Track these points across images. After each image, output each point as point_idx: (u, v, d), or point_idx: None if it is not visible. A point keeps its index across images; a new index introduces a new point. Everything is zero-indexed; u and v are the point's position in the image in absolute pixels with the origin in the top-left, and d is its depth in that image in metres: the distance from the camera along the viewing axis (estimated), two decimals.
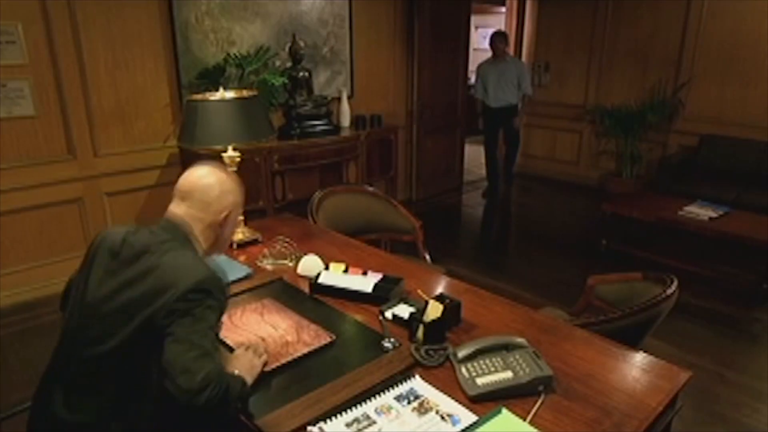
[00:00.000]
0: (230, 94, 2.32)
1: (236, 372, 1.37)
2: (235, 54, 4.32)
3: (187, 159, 4.21)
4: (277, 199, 4.53)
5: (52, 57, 3.60)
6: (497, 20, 8.23)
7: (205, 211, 1.51)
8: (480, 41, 8.80)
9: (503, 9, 7.39)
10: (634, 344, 1.70)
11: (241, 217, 2.42)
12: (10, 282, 3.70)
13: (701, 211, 4.08)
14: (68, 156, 3.80)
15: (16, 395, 2.69)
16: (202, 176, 1.54)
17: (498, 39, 5.81)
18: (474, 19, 6.53)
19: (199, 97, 2.27)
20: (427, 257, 2.97)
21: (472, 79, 6.40)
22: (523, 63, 6.39)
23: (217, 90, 2.39)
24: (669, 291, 1.91)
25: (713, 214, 4.02)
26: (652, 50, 5.86)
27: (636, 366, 1.54)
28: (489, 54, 6.04)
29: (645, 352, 1.61)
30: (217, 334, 1.48)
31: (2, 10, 3.37)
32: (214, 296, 1.34)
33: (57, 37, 3.59)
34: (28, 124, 3.59)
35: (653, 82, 5.84)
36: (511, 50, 7.07)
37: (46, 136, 3.69)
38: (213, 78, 4.07)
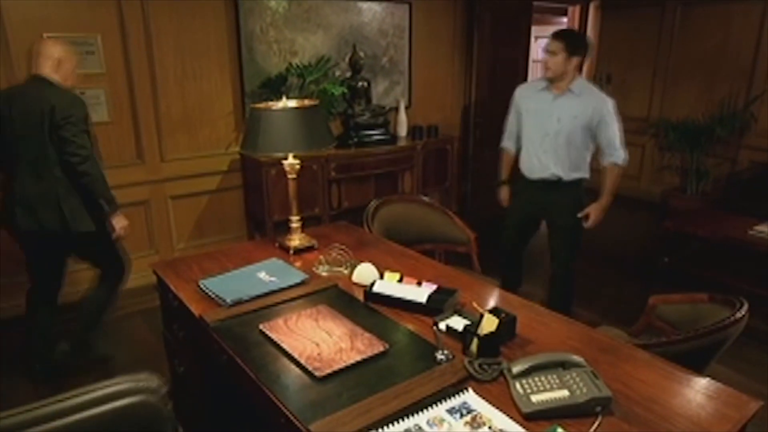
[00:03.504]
0: (292, 103, 2.37)
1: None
2: (296, 64, 4.44)
3: (247, 165, 4.34)
4: (332, 206, 4.60)
5: (126, 67, 3.81)
6: None
7: None
8: (540, 52, 8.63)
9: (564, 20, 7.26)
10: (699, 370, 1.63)
11: (298, 224, 2.48)
12: (82, 278, 3.90)
13: None
14: (137, 160, 3.99)
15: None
16: None
17: (565, 42, 2.92)
18: (534, 31, 6.43)
19: (262, 105, 2.33)
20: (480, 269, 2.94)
21: None
22: (609, 102, 3.07)
23: (278, 99, 2.46)
24: (738, 315, 1.82)
25: None
26: (722, 61, 5.62)
27: (701, 392, 1.47)
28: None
29: (710, 378, 1.54)
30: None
31: (84, 22, 3.59)
32: None
33: (132, 48, 3.79)
34: (103, 129, 3.79)
35: (723, 94, 5.59)
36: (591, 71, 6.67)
37: (118, 141, 3.89)
38: (275, 87, 4.20)
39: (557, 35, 2.98)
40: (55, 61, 2.76)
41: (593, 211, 3.11)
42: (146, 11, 3.78)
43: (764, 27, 5.25)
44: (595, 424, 1.32)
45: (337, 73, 4.74)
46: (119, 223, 2.93)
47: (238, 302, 1.93)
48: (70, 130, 2.65)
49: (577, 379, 1.42)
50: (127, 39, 3.76)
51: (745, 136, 5.51)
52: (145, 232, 4.12)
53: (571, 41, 2.95)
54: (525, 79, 6.08)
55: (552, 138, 3.04)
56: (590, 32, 6.76)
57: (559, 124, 3.01)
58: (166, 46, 3.93)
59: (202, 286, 2.06)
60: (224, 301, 1.93)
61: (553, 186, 3.12)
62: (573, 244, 3.27)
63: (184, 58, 4.02)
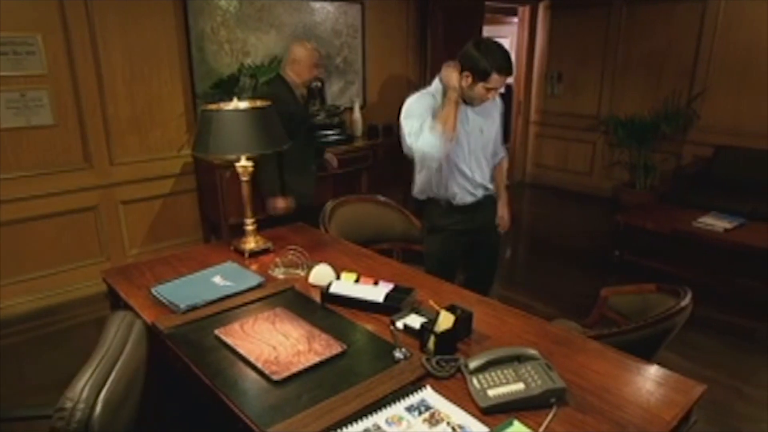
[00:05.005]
0: (244, 104, 2.33)
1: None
2: (249, 64, 4.37)
3: (200, 168, 4.25)
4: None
5: (70, 67, 3.67)
6: (510, 30, 8.24)
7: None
8: None
9: (515, 19, 7.40)
10: (648, 357, 1.68)
11: (253, 227, 2.44)
12: (28, 288, 3.75)
13: (716, 222, 4.04)
14: (85, 164, 3.86)
15: (31, 399, 2.72)
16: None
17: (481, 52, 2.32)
18: (486, 30, 6.53)
19: (213, 106, 2.29)
20: None
21: None
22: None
23: (231, 100, 2.41)
24: (683, 303, 1.89)
25: (728, 226, 3.97)
26: (666, 60, 5.83)
27: (650, 379, 1.52)
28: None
29: (659, 365, 1.59)
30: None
31: (23, 21, 3.44)
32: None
33: (76, 48, 3.65)
34: (47, 133, 3.65)
35: (667, 92, 5.81)
36: (543, 70, 6.96)
37: (63, 144, 3.74)
38: (227, 88, 4.12)
39: (510, 68, 2.35)
40: (291, 61, 3.36)
41: (505, 212, 2.83)
42: (90, 10, 3.66)
43: (704, 26, 5.48)
44: (550, 415, 1.35)
45: None
46: (270, 204, 3.37)
47: (192, 308, 1.89)
48: None
49: (532, 372, 1.44)
50: (71, 39, 3.63)
51: (688, 132, 5.74)
52: (95, 238, 3.98)
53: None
54: None
55: (481, 153, 2.63)
56: (540, 32, 6.92)
57: (483, 135, 2.61)
58: (112, 46, 3.80)
59: (154, 292, 2.00)
60: (178, 307, 1.89)
61: (484, 203, 2.71)
62: (498, 251, 2.98)
63: (132, 58, 3.91)
